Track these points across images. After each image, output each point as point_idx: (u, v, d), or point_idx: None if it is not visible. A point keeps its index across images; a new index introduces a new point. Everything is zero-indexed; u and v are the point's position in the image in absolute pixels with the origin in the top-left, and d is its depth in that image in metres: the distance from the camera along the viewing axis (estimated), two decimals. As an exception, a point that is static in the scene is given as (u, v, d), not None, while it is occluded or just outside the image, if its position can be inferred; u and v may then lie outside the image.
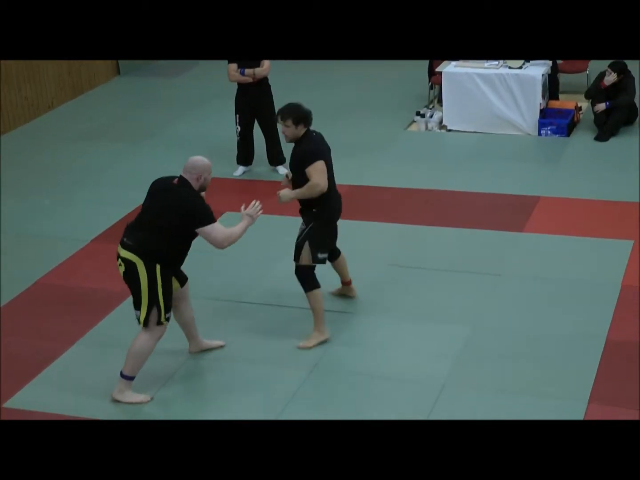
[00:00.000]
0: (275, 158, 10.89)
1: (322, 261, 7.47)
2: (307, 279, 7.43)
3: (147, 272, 6.71)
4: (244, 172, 10.82)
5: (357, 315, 7.90)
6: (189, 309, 7.33)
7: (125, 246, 6.79)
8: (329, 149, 7.49)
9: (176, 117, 12.90)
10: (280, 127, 7.40)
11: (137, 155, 11.60)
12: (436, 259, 8.75)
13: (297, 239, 7.44)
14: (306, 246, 7.36)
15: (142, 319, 6.81)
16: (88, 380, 7.23)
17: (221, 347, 7.54)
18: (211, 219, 6.71)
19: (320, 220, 7.38)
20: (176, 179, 6.84)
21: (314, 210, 7.35)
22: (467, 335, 7.55)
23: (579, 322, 7.63)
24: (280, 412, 6.74)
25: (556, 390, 6.81)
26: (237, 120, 10.72)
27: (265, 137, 10.84)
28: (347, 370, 7.19)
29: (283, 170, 10.88)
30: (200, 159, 6.86)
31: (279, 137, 10.81)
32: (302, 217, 7.48)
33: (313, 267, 7.44)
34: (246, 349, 7.50)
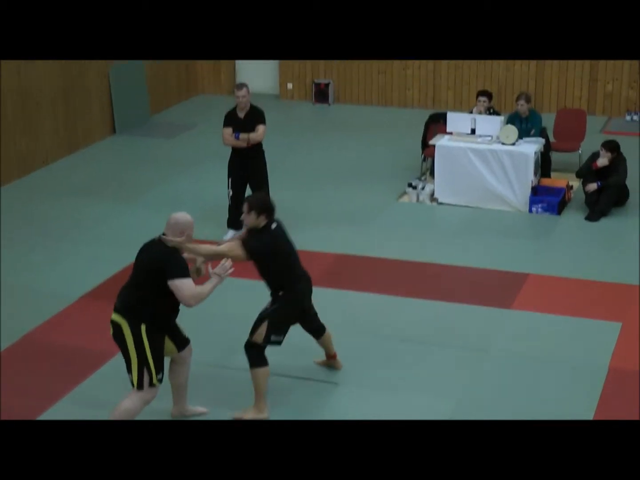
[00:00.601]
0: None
1: (275, 343, 7.43)
2: (254, 355, 7.35)
3: (132, 332, 6.75)
4: (234, 236, 10.88)
5: (341, 386, 7.92)
6: (185, 373, 7.33)
7: (115, 308, 6.88)
8: (283, 241, 7.45)
9: (170, 177, 13.00)
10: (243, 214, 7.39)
11: (130, 214, 11.67)
12: (423, 332, 8.78)
13: (260, 314, 7.43)
14: (264, 324, 7.33)
15: (135, 381, 6.82)
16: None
17: (203, 413, 7.54)
18: (181, 274, 6.71)
19: (286, 303, 7.41)
20: (158, 238, 6.91)
21: (280, 293, 7.40)
22: (450, 410, 7.56)
23: (564, 404, 7.65)
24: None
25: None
26: (230, 184, 10.81)
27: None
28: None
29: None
30: (182, 215, 6.91)
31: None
32: (271, 297, 7.50)
33: (264, 346, 7.40)
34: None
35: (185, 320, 7.31)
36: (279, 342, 7.47)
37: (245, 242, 7.26)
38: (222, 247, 7.26)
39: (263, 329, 7.33)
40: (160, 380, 6.90)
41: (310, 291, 7.64)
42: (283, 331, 7.47)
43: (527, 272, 10.00)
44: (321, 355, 8.15)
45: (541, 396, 7.77)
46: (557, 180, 12.31)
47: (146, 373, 6.80)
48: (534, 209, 11.70)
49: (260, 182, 10.78)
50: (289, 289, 7.41)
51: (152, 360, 6.81)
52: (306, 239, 10.88)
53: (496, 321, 9.00)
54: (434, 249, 10.67)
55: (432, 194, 12.12)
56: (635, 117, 15.47)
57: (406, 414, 7.51)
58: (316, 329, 7.86)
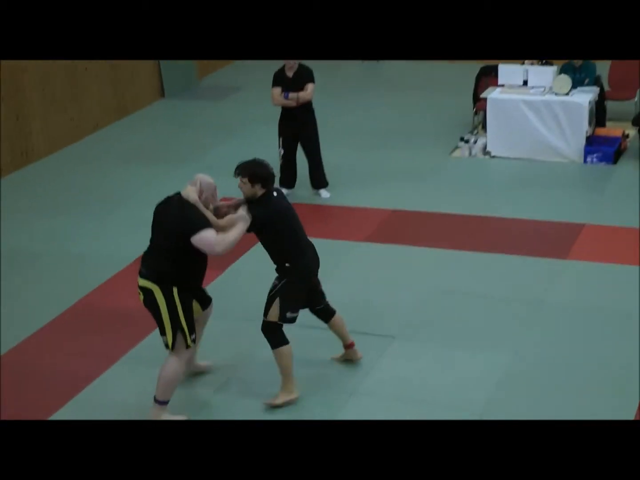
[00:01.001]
0: (317, 181, 10.97)
1: (291, 321, 7.10)
2: (273, 335, 7.08)
3: (164, 297, 6.76)
4: (286, 195, 10.86)
5: (397, 340, 7.92)
6: (201, 331, 7.36)
7: (141, 274, 6.86)
8: (287, 210, 7.12)
9: (219, 140, 13.02)
10: (238, 182, 7.08)
11: (180, 177, 11.67)
12: (478, 285, 8.75)
13: (269, 293, 7.11)
14: (276, 303, 7.02)
15: (170, 344, 6.86)
16: (129, 398, 7.29)
17: (210, 367, 7.56)
18: (202, 226, 6.66)
19: (294, 276, 7.04)
20: (174, 196, 6.91)
21: (286, 264, 7.04)
22: (507, 362, 7.53)
23: (622, 354, 7.59)
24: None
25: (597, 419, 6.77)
26: (280, 144, 10.81)
27: (308, 160, 10.92)
28: (386, 396, 7.20)
29: (326, 194, 10.95)
30: (203, 177, 6.90)
31: (321, 161, 10.89)
32: (277, 272, 7.15)
33: (281, 325, 7.12)
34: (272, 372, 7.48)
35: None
36: (294, 320, 7.12)
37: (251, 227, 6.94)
38: (223, 222, 6.97)
39: (276, 307, 7.01)
40: (194, 341, 6.92)
41: (318, 261, 7.24)
42: (297, 307, 7.13)
43: (583, 222, 9.91)
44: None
45: (599, 347, 7.72)
46: (612, 129, 12.16)
47: (180, 336, 6.81)
48: (589, 159, 11.56)
49: (311, 140, 10.77)
50: (296, 261, 7.03)
51: (186, 323, 6.82)
52: (360, 196, 10.90)
53: (553, 272, 8.93)
54: (488, 202, 10.60)
55: (485, 148, 12.02)
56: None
57: (464, 368, 7.50)
58: (325, 310, 7.45)
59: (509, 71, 12.11)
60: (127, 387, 7.42)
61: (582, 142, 11.58)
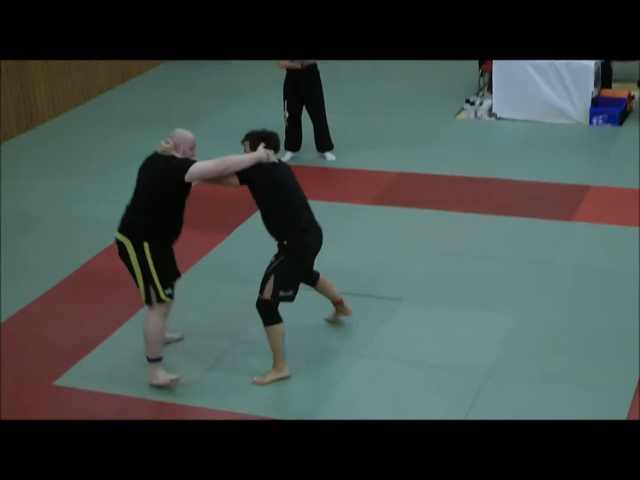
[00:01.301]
0: (323, 144, 10.95)
1: (284, 299, 6.93)
2: (266, 312, 6.95)
3: (135, 251, 6.81)
4: (291, 158, 10.86)
5: (404, 302, 7.93)
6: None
7: (118, 228, 6.95)
8: (288, 180, 6.93)
9: (223, 104, 12.99)
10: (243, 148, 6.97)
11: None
12: (484, 247, 8.75)
13: (266, 269, 6.97)
14: (271, 280, 6.88)
15: (143, 297, 6.93)
16: (133, 362, 7.32)
17: (179, 340, 7.57)
18: (189, 163, 6.71)
19: (291, 255, 6.87)
20: (157, 152, 6.94)
21: (285, 242, 6.88)
22: (513, 324, 7.55)
23: (627, 315, 7.60)
24: (327, 396, 6.81)
25: (601, 381, 6.80)
26: (286, 106, 10.78)
27: (313, 123, 10.89)
28: (392, 358, 7.23)
29: (331, 156, 10.93)
30: (182, 131, 6.93)
31: (327, 124, 10.86)
32: (278, 248, 6.98)
33: (276, 303, 6.98)
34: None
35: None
36: (290, 298, 6.96)
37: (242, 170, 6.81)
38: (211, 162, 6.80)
39: (270, 285, 6.87)
40: (170, 296, 6.94)
41: (320, 241, 7.04)
42: (292, 286, 6.93)
43: (588, 184, 9.89)
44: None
45: (605, 307, 7.73)
46: (618, 90, 12.11)
47: (152, 290, 6.86)
48: (594, 120, 11.53)
49: (316, 103, 10.74)
50: (295, 238, 6.85)
51: (157, 277, 6.85)
52: (366, 159, 10.88)
53: (558, 234, 8.93)
54: (494, 164, 10.58)
55: (490, 110, 11.99)
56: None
57: (470, 329, 7.52)
58: (311, 277, 7.33)
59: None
60: (131, 352, 7.44)
61: (588, 103, 11.54)
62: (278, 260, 6.92)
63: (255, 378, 7.05)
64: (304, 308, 7.56)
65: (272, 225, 6.92)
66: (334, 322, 7.70)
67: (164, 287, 6.91)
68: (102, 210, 9.90)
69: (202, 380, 7.06)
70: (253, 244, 8.89)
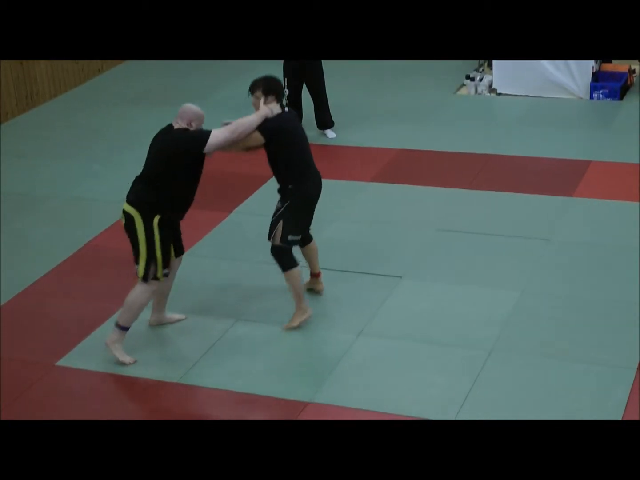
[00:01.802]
0: (323, 121, 10.90)
1: (294, 243, 7.19)
2: (282, 257, 7.18)
3: (144, 225, 6.79)
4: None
5: (405, 279, 7.92)
6: (170, 282, 7.35)
7: (127, 199, 6.90)
8: (297, 128, 7.21)
9: (224, 82, 12.94)
10: (251, 99, 7.10)
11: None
12: (485, 224, 8.73)
13: (272, 216, 7.20)
14: (280, 225, 7.10)
15: (140, 274, 6.91)
16: (136, 342, 7.32)
17: (180, 320, 7.54)
18: (207, 133, 6.74)
19: (296, 199, 7.10)
20: (170, 126, 6.91)
21: (290, 186, 7.08)
22: (515, 299, 7.54)
23: (629, 289, 7.59)
24: (328, 377, 6.81)
25: (604, 356, 6.79)
26: (285, 84, 10.74)
27: (313, 101, 10.85)
28: (395, 335, 7.22)
29: (332, 134, 10.89)
30: (191, 106, 6.90)
31: (327, 101, 10.82)
32: (280, 194, 7.20)
33: (289, 247, 7.21)
34: (277, 314, 7.47)
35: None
36: (296, 242, 7.24)
37: (260, 125, 6.94)
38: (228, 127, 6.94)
39: (279, 230, 7.10)
40: (165, 275, 6.98)
41: (320, 188, 7.27)
42: (299, 231, 7.22)
43: (589, 159, 9.86)
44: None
45: (606, 282, 7.71)
46: (618, 65, 12.04)
47: (152, 266, 6.86)
48: (595, 95, 11.48)
49: (316, 80, 10.70)
50: (300, 183, 7.08)
51: (161, 255, 6.86)
52: (366, 136, 10.84)
53: (559, 210, 8.90)
54: (494, 140, 10.55)
55: (491, 85, 11.94)
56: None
57: (472, 305, 7.51)
58: (305, 235, 7.47)
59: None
60: (133, 331, 7.44)
61: (589, 78, 11.49)
62: (284, 206, 7.09)
63: (284, 325, 7.27)
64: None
65: (280, 167, 7.10)
66: (312, 289, 7.76)
67: (164, 266, 6.91)
68: (103, 190, 9.87)
69: (203, 359, 7.05)
70: (253, 225, 8.88)
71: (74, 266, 8.47)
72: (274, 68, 11.33)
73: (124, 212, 6.87)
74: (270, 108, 6.94)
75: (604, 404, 6.26)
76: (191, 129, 6.82)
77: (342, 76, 12.59)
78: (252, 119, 6.86)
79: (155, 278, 6.92)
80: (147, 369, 6.96)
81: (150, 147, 6.95)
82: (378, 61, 13.37)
